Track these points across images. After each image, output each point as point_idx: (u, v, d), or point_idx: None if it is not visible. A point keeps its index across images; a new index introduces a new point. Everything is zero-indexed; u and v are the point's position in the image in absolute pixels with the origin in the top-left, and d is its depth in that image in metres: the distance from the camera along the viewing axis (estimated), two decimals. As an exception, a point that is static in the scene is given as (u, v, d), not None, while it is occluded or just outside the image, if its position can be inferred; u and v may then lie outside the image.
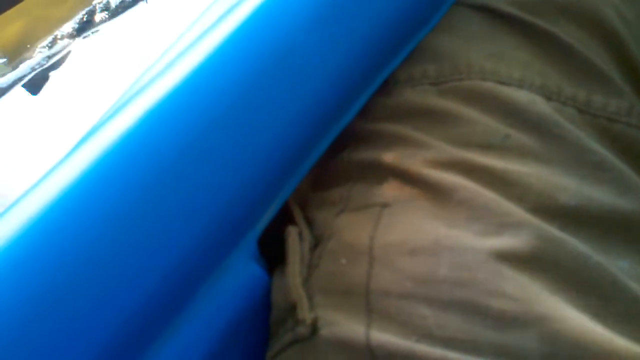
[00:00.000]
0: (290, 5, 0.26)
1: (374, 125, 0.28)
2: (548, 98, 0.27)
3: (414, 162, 0.26)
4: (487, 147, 0.26)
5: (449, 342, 0.21)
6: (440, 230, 0.24)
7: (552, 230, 0.24)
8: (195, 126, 0.23)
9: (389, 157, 0.26)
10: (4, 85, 0.43)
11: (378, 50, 0.27)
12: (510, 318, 0.21)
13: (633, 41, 0.29)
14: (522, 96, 0.27)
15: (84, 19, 0.46)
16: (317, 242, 0.26)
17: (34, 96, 0.41)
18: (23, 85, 0.42)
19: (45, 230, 0.21)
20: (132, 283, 0.21)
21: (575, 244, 0.24)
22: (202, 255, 0.23)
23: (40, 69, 0.43)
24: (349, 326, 0.23)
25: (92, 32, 0.44)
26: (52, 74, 0.42)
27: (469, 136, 0.26)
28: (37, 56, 0.45)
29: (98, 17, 0.46)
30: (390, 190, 0.26)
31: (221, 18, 0.26)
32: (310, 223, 0.27)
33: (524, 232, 0.23)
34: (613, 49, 0.29)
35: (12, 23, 0.52)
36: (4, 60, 0.47)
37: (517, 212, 0.24)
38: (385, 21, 0.27)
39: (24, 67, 0.44)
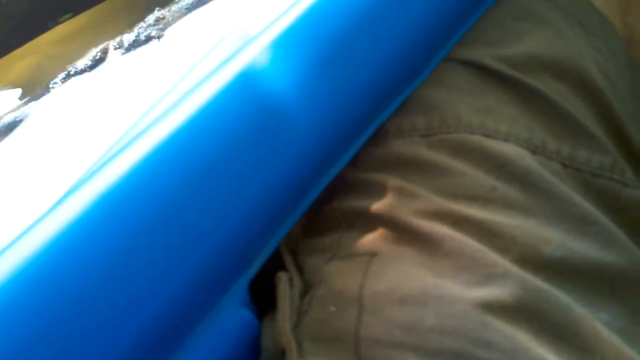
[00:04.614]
0: (289, 53, 0.27)
1: (364, 175, 0.28)
2: (533, 152, 0.27)
3: (403, 211, 0.26)
4: (474, 198, 0.26)
5: None
6: (428, 280, 0.24)
7: (537, 282, 0.24)
8: (189, 172, 0.24)
9: (379, 206, 0.27)
10: (16, 119, 0.43)
11: (370, 102, 0.28)
12: None
13: (616, 99, 0.30)
14: (509, 150, 0.27)
15: (97, 57, 0.46)
16: (307, 289, 0.27)
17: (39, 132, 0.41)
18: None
19: (28, 279, 0.21)
20: (120, 328, 0.22)
21: (559, 295, 0.24)
22: (193, 300, 0.24)
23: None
24: None
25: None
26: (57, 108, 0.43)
27: (457, 188, 0.26)
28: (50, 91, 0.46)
29: (112, 54, 0.46)
30: (379, 239, 0.26)
31: (221, 65, 0.27)
32: (300, 269, 0.28)
33: (509, 283, 0.24)
34: (597, 106, 0.30)
35: (23, 59, 0.54)
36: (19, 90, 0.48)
37: (503, 263, 0.24)
38: (378, 74, 0.28)
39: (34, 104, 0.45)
